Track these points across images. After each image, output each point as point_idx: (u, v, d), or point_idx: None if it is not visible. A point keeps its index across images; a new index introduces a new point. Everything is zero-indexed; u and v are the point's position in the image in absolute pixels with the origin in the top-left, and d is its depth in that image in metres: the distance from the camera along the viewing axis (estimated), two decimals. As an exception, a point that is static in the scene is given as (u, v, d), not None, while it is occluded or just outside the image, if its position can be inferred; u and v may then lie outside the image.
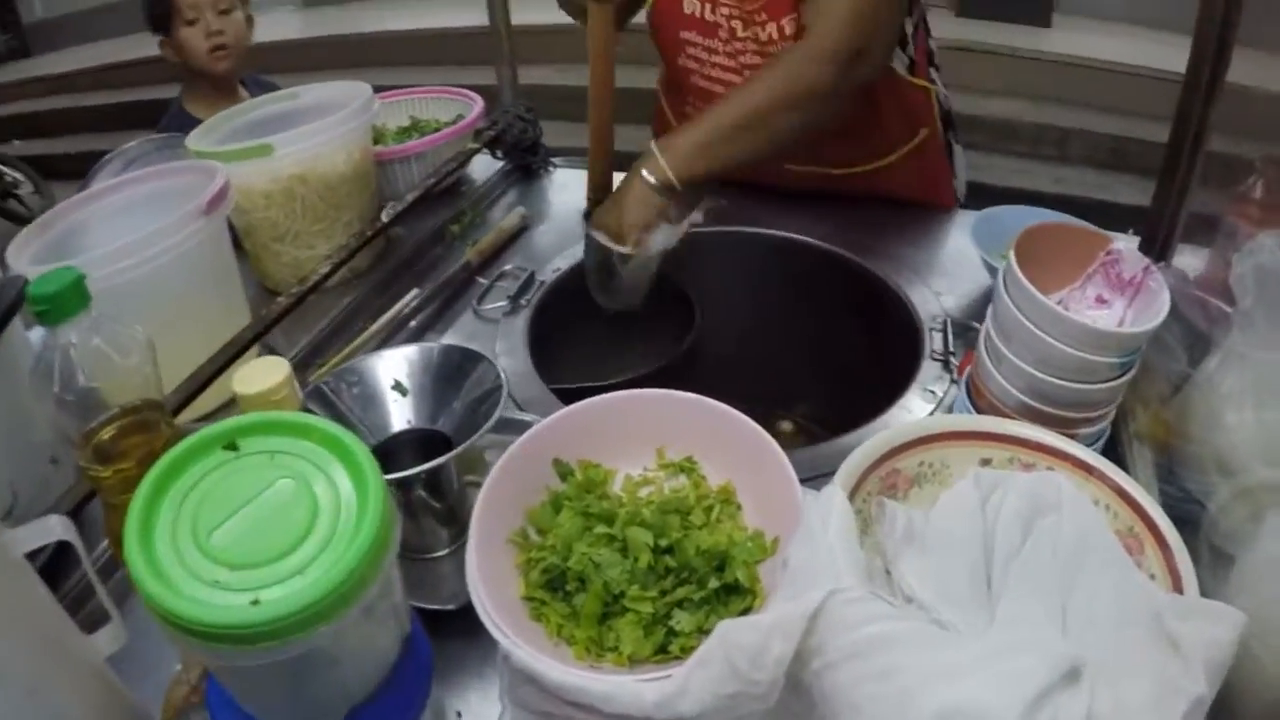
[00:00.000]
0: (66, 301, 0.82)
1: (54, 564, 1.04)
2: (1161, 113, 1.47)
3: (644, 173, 1.49)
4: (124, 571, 1.00)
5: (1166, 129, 1.28)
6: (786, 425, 1.96)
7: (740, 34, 1.67)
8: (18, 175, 6.11)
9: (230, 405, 0.98)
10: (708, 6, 1.68)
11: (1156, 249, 1.36)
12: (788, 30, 1.61)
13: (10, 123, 7.91)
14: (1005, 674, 0.68)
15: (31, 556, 0.87)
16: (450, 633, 0.98)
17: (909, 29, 1.73)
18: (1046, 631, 0.80)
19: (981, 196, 1.89)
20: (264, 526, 0.65)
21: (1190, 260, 1.30)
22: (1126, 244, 1.08)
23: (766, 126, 1.51)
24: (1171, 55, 1.70)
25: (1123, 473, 0.90)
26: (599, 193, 1.71)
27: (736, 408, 0.98)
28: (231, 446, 0.71)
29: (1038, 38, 5.71)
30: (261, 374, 0.91)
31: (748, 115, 1.50)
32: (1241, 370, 0.93)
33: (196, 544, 0.64)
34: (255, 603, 0.60)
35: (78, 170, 1.84)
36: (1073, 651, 0.71)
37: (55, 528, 0.84)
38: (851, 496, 0.88)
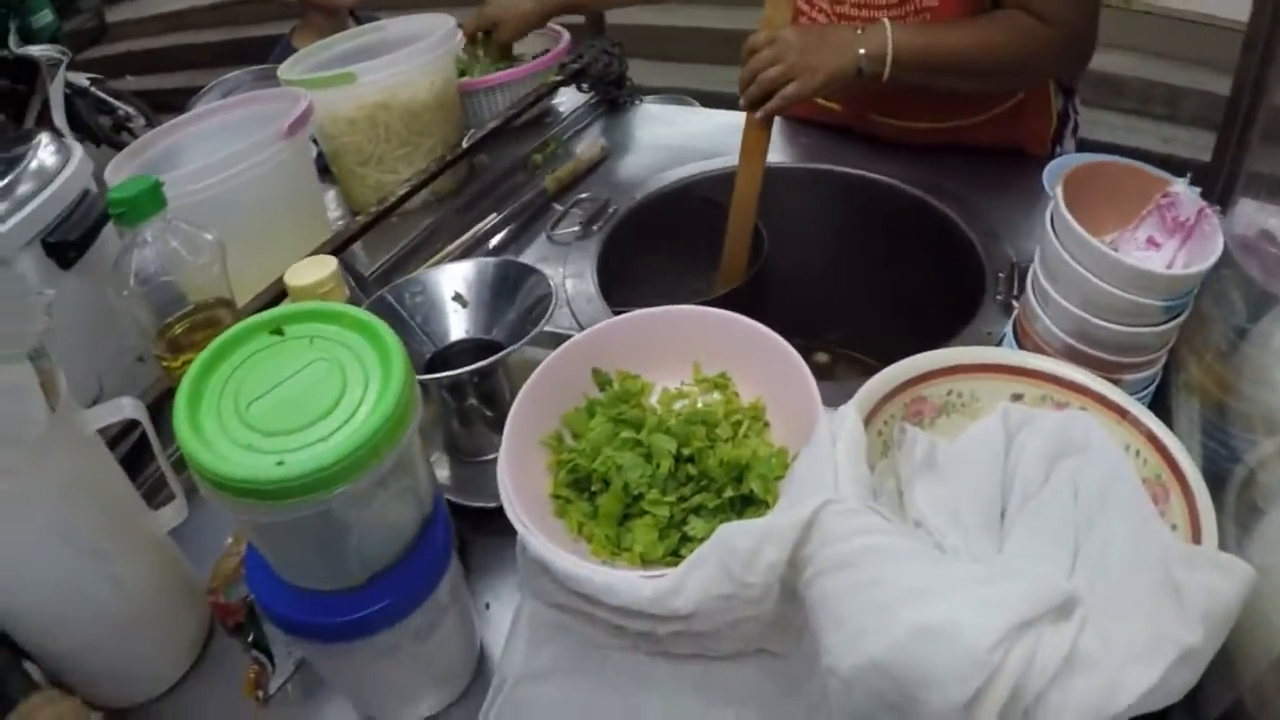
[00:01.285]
0: (142, 205, 0.90)
1: (134, 455, 1.13)
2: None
3: (861, 50, 1.48)
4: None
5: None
6: (842, 357, 1.98)
7: None
8: (130, 109, 6.28)
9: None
10: None
11: (1216, 199, 1.25)
12: None
13: (126, 59, 8.12)
14: (988, 598, 0.67)
15: (114, 445, 0.95)
16: (492, 530, 1.06)
17: None
18: (1049, 567, 0.81)
19: (1086, 152, 1.84)
20: (297, 401, 0.71)
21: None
22: (1186, 188, 1.03)
23: (977, 75, 1.57)
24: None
25: (1156, 419, 0.88)
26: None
27: (799, 342, 1.00)
28: (277, 331, 0.77)
29: (1152, -11, 5.57)
30: (311, 269, 0.98)
31: (976, 57, 1.53)
32: None
33: (237, 413, 0.70)
34: (280, 463, 0.66)
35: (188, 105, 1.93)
36: (1067, 587, 0.70)
37: (125, 407, 0.92)
38: (873, 418, 0.90)
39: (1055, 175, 1.49)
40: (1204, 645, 0.66)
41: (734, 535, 0.74)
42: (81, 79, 6.08)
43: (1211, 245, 0.96)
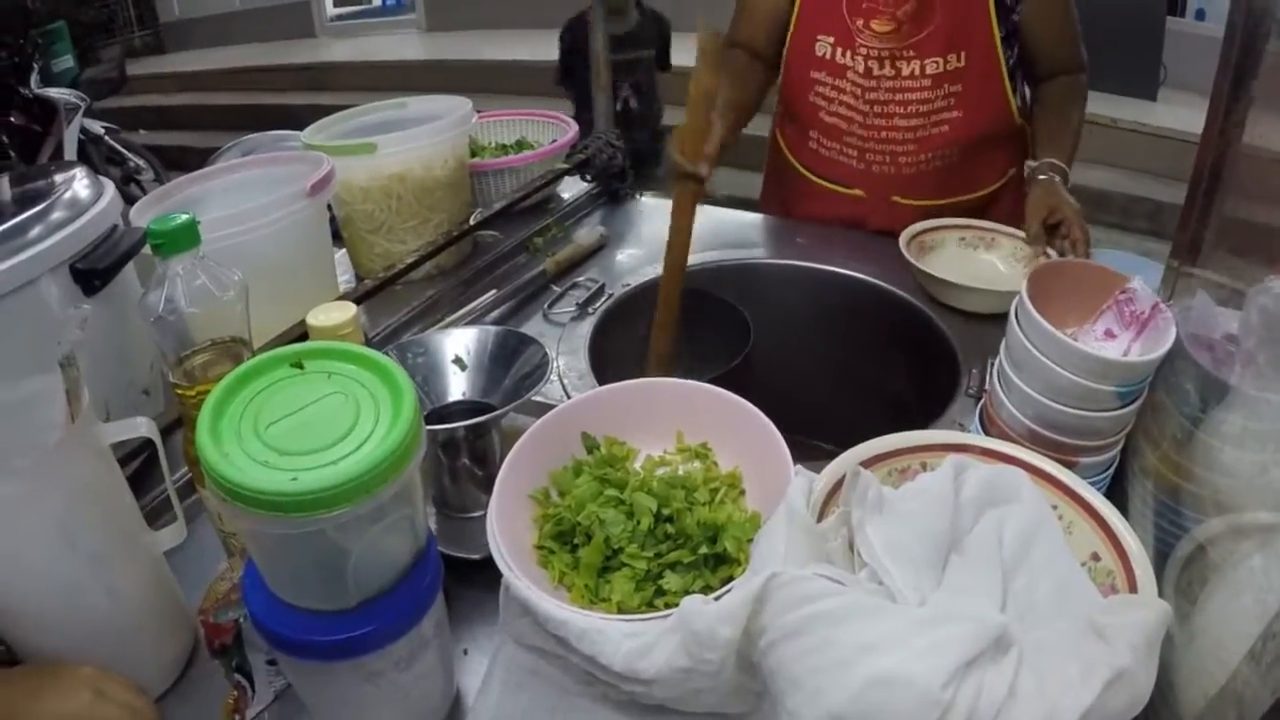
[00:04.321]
0: (179, 238, 0.96)
1: (135, 480, 1.18)
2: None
3: (1046, 176, 1.85)
4: (195, 497, 1.15)
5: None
6: (818, 449, 2.01)
7: (876, 72, 1.89)
8: (140, 162, 6.37)
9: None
10: (839, 50, 1.91)
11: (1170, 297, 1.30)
12: (928, 70, 1.86)
13: (140, 113, 8.24)
14: (933, 644, 0.73)
15: (122, 465, 1.01)
16: (474, 583, 1.10)
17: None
18: (983, 601, 0.85)
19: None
20: (313, 426, 0.77)
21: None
22: (1143, 284, 1.11)
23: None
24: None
25: (1098, 494, 0.95)
26: (661, 363, 1.71)
27: (777, 428, 1.06)
28: (298, 365, 0.84)
29: (1142, 110, 5.72)
30: (333, 311, 1.05)
31: (1078, 133, 1.97)
32: (1244, 411, 0.92)
33: (256, 433, 0.77)
34: (294, 479, 0.72)
35: (199, 164, 1.99)
36: (1002, 620, 0.76)
37: (140, 425, 0.98)
38: (833, 496, 0.96)
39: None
40: (1134, 666, 0.72)
41: (691, 618, 0.79)
42: (97, 127, 6.17)
43: (1164, 337, 1.02)
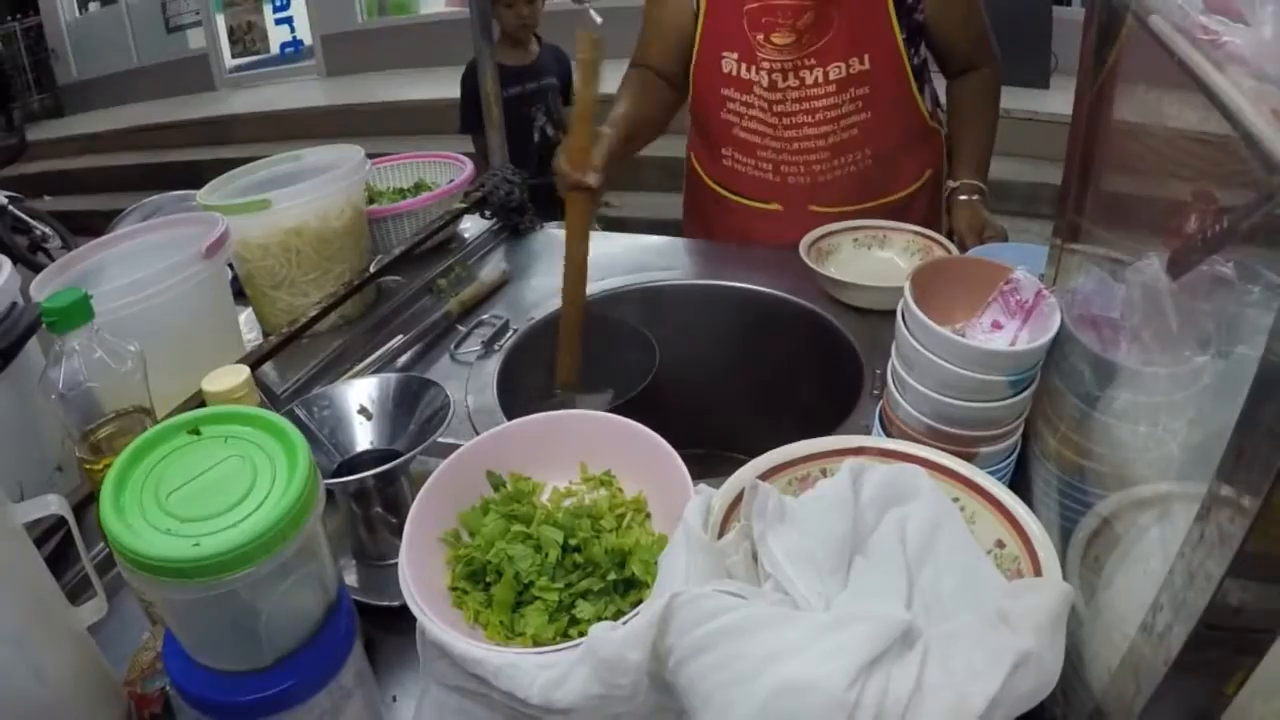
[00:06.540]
0: (72, 314, 0.98)
1: (54, 559, 1.19)
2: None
3: (966, 197, 1.99)
4: (117, 570, 1.16)
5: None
6: (731, 460, 2.05)
7: (780, 84, 1.93)
8: (47, 229, 6.29)
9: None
10: (743, 65, 1.95)
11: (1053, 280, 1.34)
12: (832, 75, 1.90)
13: (43, 179, 8.14)
14: (835, 646, 0.75)
15: (38, 545, 1.02)
16: (397, 629, 1.12)
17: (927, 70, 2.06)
18: (889, 599, 0.86)
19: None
20: (212, 491, 0.79)
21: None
22: (1026, 273, 1.14)
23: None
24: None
25: (997, 483, 0.97)
26: (567, 374, 1.75)
27: (690, 447, 1.09)
28: (195, 431, 0.86)
29: (1036, 99, 5.83)
30: (226, 376, 1.06)
31: (992, 135, 2.10)
32: (1133, 386, 0.94)
33: (157, 502, 0.78)
34: (196, 545, 0.74)
35: (105, 227, 1.98)
36: (906, 617, 0.78)
37: (52, 503, 0.99)
38: (734, 509, 0.98)
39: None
40: (1039, 648, 0.74)
41: (599, 645, 0.81)
42: (0, 196, 6.10)
43: (1049, 323, 1.06)
